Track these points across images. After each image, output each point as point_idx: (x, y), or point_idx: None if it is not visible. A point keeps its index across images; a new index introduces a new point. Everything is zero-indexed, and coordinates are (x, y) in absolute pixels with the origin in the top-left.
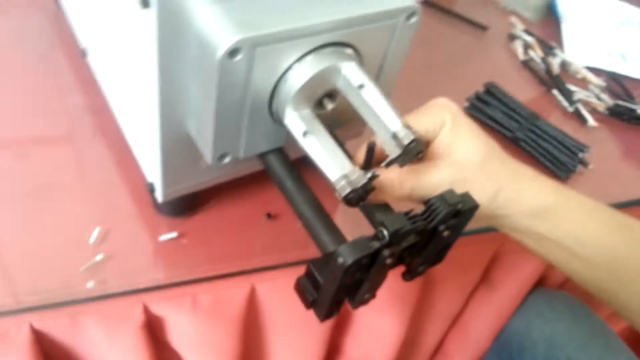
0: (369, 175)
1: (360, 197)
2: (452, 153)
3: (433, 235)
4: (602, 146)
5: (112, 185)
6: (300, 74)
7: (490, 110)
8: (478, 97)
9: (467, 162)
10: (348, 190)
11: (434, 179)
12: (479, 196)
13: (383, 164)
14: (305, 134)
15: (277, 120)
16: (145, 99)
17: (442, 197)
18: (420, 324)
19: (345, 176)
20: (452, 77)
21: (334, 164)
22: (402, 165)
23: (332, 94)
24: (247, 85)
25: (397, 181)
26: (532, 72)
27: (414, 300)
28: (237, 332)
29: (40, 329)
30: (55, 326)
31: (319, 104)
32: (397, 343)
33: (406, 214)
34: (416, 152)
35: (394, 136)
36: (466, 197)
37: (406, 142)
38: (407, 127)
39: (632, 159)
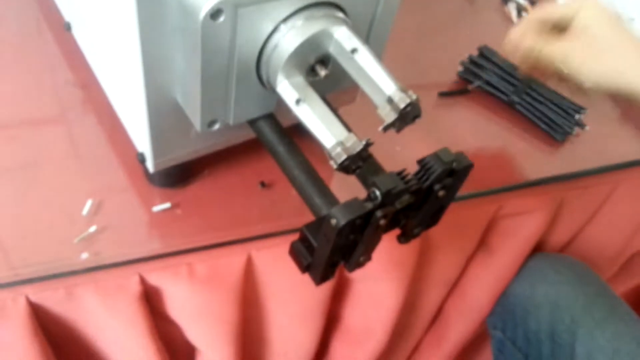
0: (364, 141)
1: (356, 165)
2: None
3: (428, 196)
4: (599, 107)
5: (104, 158)
6: (291, 40)
7: (485, 74)
8: (472, 61)
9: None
10: (344, 157)
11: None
12: None
13: (380, 129)
14: (298, 101)
15: (266, 85)
16: (129, 68)
17: (436, 155)
18: (419, 290)
19: (340, 143)
20: (445, 41)
21: (329, 132)
22: (398, 130)
23: (324, 60)
24: (232, 48)
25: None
26: None
27: (412, 267)
28: (235, 301)
29: (37, 301)
30: (52, 298)
31: (311, 71)
32: (396, 310)
33: (399, 173)
34: (412, 116)
35: (390, 100)
36: (460, 156)
37: (402, 105)
38: (403, 90)
39: (629, 120)
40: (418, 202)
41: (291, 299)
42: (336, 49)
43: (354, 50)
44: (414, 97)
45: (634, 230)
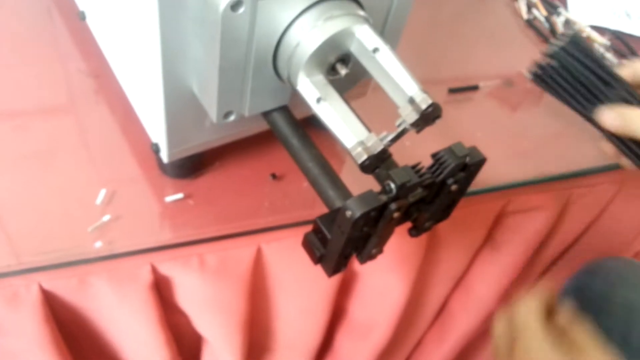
0: (385, 141)
1: (376, 164)
2: None
3: (440, 190)
4: None
5: (117, 148)
6: (313, 39)
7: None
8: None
9: None
10: (365, 157)
11: None
12: None
13: (397, 123)
14: (319, 100)
15: (284, 80)
16: (147, 58)
17: (450, 150)
18: (425, 285)
19: (361, 142)
20: (455, 36)
21: (350, 131)
22: (418, 131)
23: (345, 59)
24: (251, 40)
25: None
26: (536, 31)
27: (419, 261)
28: (244, 292)
29: (50, 289)
30: (64, 286)
31: (331, 70)
32: (401, 304)
33: (413, 167)
34: (434, 116)
35: (411, 101)
36: (474, 150)
37: (424, 106)
38: (424, 91)
39: None
40: (431, 196)
41: (299, 292)
42: (357, 48)
43: (375, 50)
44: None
45: (638, 227)
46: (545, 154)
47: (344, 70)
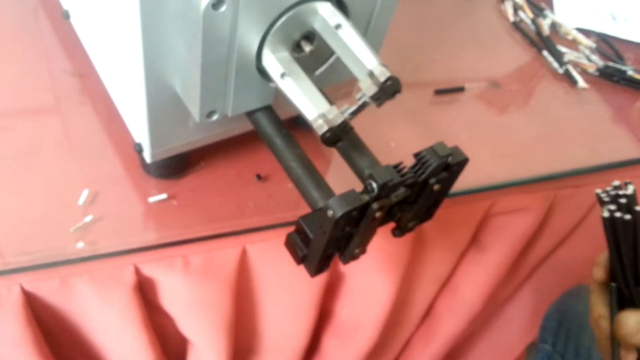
0: (346, 114)
1: (337, 137)
2: None
3: (423, 190)
4: (591, 107)
5: (100, 148)
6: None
7: None
8: None
9: None
10: (325, 128)
11: None
12: None
13: (357, 97)
14: (283, 75)
15: (265, 76)
16: (129, 57)
17: (432, 149)
18: (411, 286)
19: (322, 115)
20: (441, 38)
21: (311, 104)
22: (379, 105)
23: (309, 36)
24: (233, 38)
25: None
26: (523, 33)
27: (404, 263)
28: (229, 294)
29: (31, 290)
30: (46, 288)
31: (297, 47)
32: (387, 305)
33: (395, 166)
34: (393, 90)
35: (370, 74)
36: (456, 150)
37: (382, 79)
38: (383, 65)
39: (622, 120)
40: (413, 196)
41: (284, 293)
42: (321, 24)
43: (337, 26)
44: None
45: None
46: (531, 155)
47: (308, 47)
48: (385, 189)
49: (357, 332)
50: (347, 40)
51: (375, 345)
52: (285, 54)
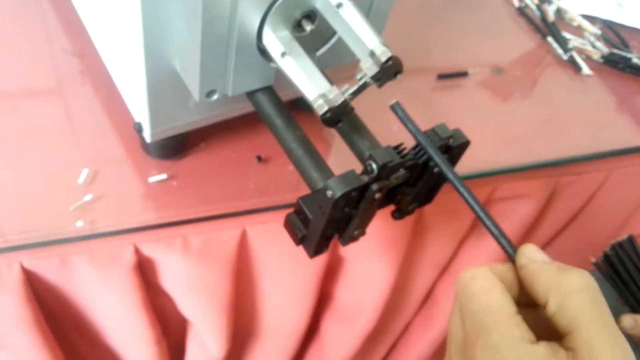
0: (346, 94)
1: (337, 117)
2: None
3: (423, 172)
4: (595, 95)
5: (100, 128)
6: None
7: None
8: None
9: None
10: (325, 108)
11: None
12: None
13: (358, 77)
14: (283, 54)
15: (265, 56)
16: (129, 35)
17: (433, 131)
18: (410, 271)
19: (322, 95)
20: (446, 23)
21: (312, 84)
22: (380, 85)
23: (310, 15)
24: (234, 16)
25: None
26: (527, 19)
27: (405, 248)
28: (229, 275)
29: (31, 268)
30: (46, 266)
31: (297, 26)
32: (387, 290)
33: (395, 148)
34: (394, 70)
35: (372, 54)
36: (457, 132)
37: (383, 59)
38: (385, 45)
39: (625, 108)
40: (414, 178)
41: (284, 275)
42: (322, 3)
43: (339, 5)
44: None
45: (626, 217)
46: (533, 141)
47: (309, 27)
48: (385, 170)
49: (356, 316)
50: (349, 19)
51: (374, 329)
52: (286, 33)
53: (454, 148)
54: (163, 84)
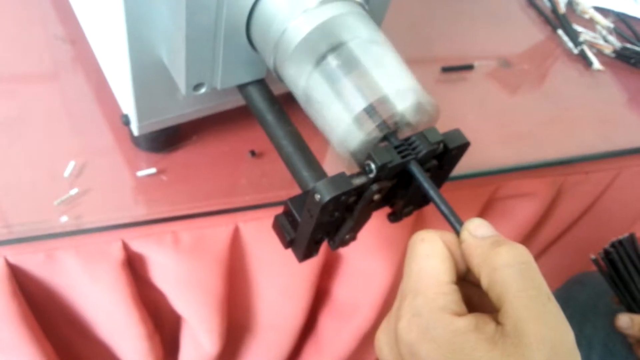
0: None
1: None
2: None
3: (412, 177)
4: (606, 91)
5: (90, 118)
6: (301, 26)
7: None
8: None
9: None
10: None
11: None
12: None
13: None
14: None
15: (256, 48)
16: (113, 22)
17: (422, 135)
18: None
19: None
20: (453, 12)
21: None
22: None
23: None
24: (220, 5)
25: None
26: (537, 10)
27: (404, 246)
28: (222, 271)
29: (16, 263)
30: (31, 261)
31: (322, 60)
32: (385, 287)
33: (396, 147)
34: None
35: None
36: (456, 133)
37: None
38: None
39: (637, 105)
40: (405, 181)
41: (279, 272)
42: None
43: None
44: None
45: (635, 217)
46: (540, 138)
47: (335, 62)
48: (385, 171)
49: (354, 313)
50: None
51: (372, 327)
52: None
53: (451, 150)
54: (149, 75)
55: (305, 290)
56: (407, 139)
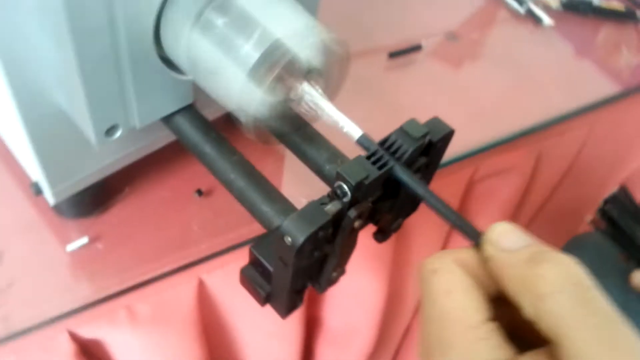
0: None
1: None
2: None
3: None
4: (560, 46)
5: (2, 192)
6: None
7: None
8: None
9: None
10: None
11: None
12: None
13: None
14: None
15: (173, 67)
16: None
17: (402, 131)
18: (401, 276)
19: None
20: None
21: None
22: None
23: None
24: (114, 23)
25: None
26: None
27: (390, 254)
28: (194, 334)
29: None
30: None
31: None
32: (380, 304)
33: (369, 157)
34: None
35: None
36: (436, 123)
37: None
38: None
39: (597, 56)
40: (391, 191)
41: (261, 315)
42: None
43: None
44: None
45: (617, 166)
46: (506, 109)
47: (213, 13)
48: (362, 190)
49: (351, 338)
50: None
51: (373, 346)
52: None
53: (436, 143)
54: (49, 128)
55: (294, 325)
56: (382, 142)
